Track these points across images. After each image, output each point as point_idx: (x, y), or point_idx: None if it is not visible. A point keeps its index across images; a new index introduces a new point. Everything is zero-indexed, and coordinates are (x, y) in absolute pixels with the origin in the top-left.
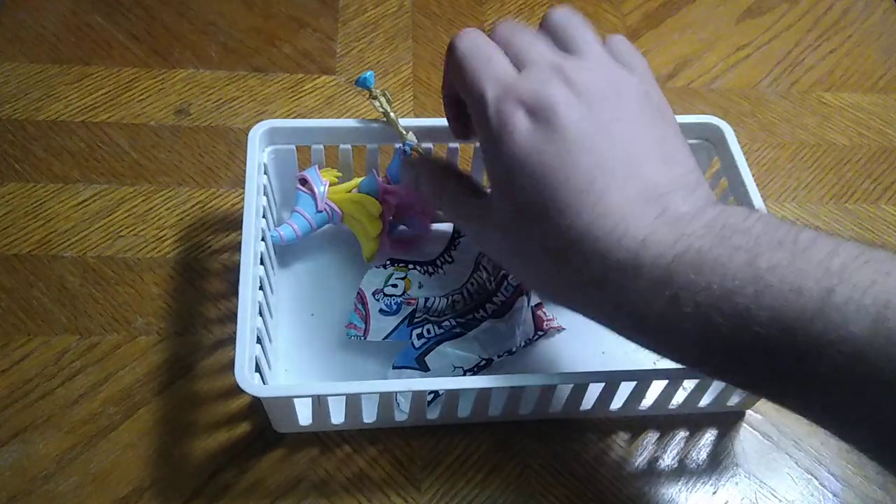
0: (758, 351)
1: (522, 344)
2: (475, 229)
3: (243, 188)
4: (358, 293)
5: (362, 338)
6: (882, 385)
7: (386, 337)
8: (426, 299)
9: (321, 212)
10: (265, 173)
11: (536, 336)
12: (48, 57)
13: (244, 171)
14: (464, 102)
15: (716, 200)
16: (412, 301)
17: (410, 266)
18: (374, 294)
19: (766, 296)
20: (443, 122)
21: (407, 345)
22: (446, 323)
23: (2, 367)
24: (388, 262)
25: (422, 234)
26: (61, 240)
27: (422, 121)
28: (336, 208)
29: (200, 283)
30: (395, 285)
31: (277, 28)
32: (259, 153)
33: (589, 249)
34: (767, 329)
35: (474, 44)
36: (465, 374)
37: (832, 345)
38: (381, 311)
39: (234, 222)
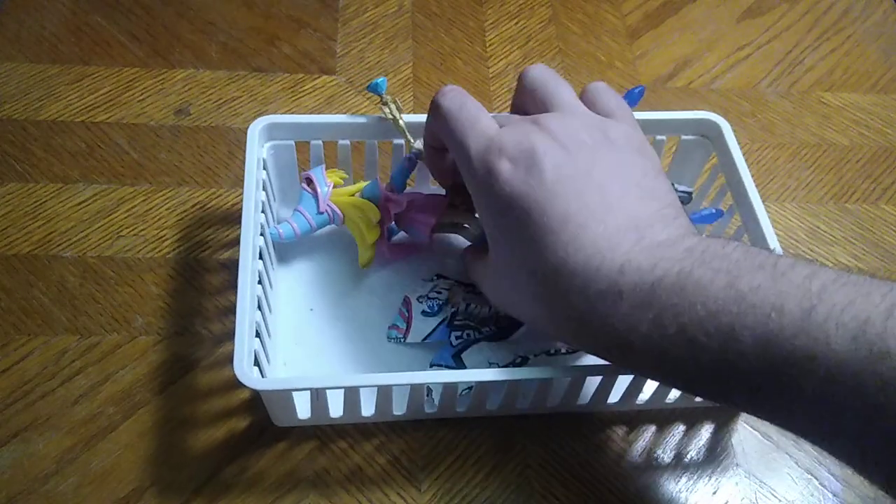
0: (744, 369)
1: (564, 350)
2: (485, 284)
3: (243, 187)
4: (404, 298)
5: (402, 339)
6: (864, 397)
7: (425, 338)
8: (468, 304)
9: (322, 213)
10: (264, 169)
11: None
12: (48, 57)
13: (244, 171)
14: (445, 150)
15: (695, 231)
16: (455, 303)
17: (455, 282)
18: (418, 298)
19: (749, 315)
20: None
21: (445, 344)
22: (486, 329)
23: (2, 367)
24: (435, 276)
25: (422, 242)
26: (61, 240)
27: (425, 117)
28: (337, 210)
29: (200, 282)
30: (439, 292)
31: (277, 28)
32: (258, 148)
33: (566, 285)
34: (752, 347)
35: (459, 103)
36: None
37: (814, 361)
38: (423, 312)
39: (234, 222)
